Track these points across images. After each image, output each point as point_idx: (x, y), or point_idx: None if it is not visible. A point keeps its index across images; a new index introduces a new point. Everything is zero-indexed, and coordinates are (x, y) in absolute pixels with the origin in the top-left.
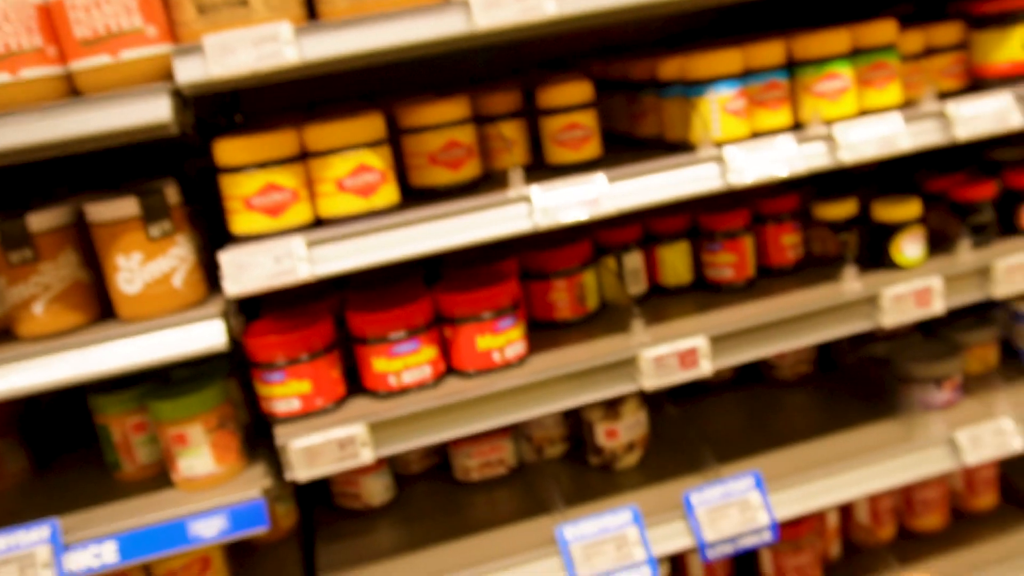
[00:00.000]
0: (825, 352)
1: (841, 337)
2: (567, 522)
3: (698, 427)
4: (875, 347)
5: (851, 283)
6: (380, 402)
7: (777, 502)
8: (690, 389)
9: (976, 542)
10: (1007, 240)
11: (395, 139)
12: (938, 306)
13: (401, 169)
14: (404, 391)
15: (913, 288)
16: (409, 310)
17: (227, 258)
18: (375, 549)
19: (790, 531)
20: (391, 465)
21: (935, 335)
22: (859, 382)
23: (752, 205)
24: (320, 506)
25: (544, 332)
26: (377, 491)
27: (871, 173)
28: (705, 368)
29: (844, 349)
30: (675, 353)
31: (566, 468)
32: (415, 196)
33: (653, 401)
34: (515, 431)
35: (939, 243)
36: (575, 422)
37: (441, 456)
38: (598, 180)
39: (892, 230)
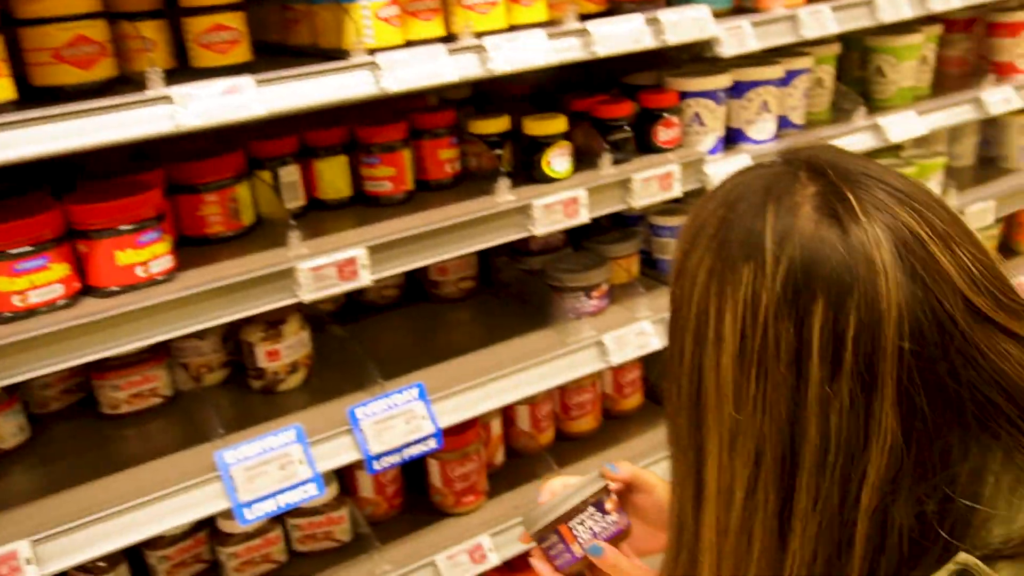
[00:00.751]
0: (487, 269)
1: (496, 245)
2: (227, 447)
3: (364, 346)
4: (532, 261)
5: (505, 195)
6: (2, 326)
7: (441, 411)
8: (356, 310)
9: (625, 439)
10: (644, 157)
11: (14, 33)
12: (584, 215)
13: (20, 67)
14: (31, 312)
15: (561, 199)
16: (33, 222)
17: None
18: (6, 496)
19: (456, 441)
20: (23, 404)
21: (585, 249)
22: (518, 295)
23: (410, 120)
24: None
25: (196, 248)
26: (6, 433)
27: (525, 95)
28: (365, 278)
29: (504, 265)
30: (333, 264)
31: (227, 394)
32: (38, 96)
33: (317, 323)
34: (169, 359)
35: (584, 158)
36: (235, 346)
37: (86, 391)
38: (245, 82)
39: (541, 145)
